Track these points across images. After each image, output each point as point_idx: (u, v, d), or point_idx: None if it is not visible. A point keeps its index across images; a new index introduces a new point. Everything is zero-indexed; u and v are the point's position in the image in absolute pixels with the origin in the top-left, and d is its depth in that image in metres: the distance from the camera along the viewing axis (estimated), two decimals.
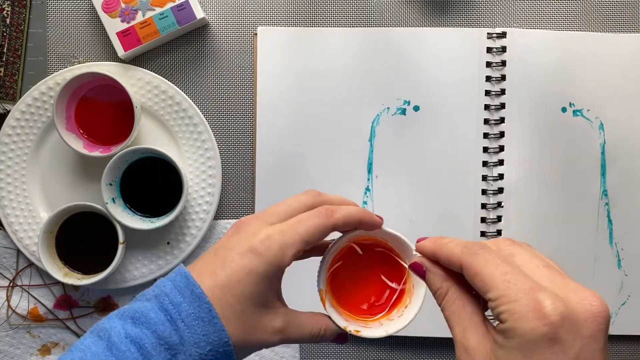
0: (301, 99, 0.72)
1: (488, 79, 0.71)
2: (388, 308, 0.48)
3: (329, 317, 0.45)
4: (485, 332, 0.37)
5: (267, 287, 0.42)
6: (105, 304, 0.73)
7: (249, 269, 0.41)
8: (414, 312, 0.45)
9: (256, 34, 0.72)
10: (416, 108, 0.71)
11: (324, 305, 0.46)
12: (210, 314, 0.41)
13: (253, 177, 0.72)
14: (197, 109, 0.71)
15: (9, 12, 0.72)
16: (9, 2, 0.71)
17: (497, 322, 0.36)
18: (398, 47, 0.71)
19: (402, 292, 0.48)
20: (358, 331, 0.46)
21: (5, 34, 0.72)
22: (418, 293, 0.46)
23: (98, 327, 0.42)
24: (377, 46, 0.71)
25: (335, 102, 0.72)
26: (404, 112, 0.71)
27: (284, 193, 0.71)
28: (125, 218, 0.67)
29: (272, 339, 0.43)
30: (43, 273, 0.72)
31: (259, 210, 0.68)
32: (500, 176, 0.71)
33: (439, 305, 0.41)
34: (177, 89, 0.70)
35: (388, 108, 0.72)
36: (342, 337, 0.46)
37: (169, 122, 0.71)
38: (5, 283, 0.72)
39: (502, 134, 0.71)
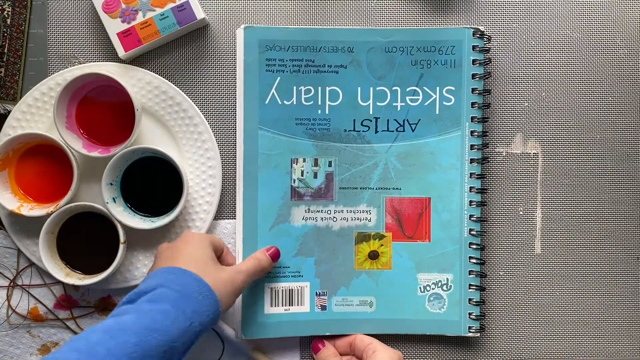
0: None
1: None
2: None
3: None
4: None
5: (210, 249, 0.64)
6: (105, 304, 0.73)
7: (195, 241, 0.63)
8: None
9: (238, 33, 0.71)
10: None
11: None
12: (208, 288, 0.58)
13: None
14: (197, 109, 0.71)
15: (9, 13, 0.72)
16: (9, 3, 0.72)
17: None
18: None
19: None
20: None
21: (6, 34, 0.72)
22: None
23: (114, 312, 0.56)
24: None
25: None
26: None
27: None
28: (126, 218, 0.68)
29: (237, 277, 0.63)
30: (43, 273, 0.72)
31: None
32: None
33: None
34: (178, 89, 0.71)
35: None
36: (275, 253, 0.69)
37: (169, 122, 0.71)
38: (6, 283, 0.72)
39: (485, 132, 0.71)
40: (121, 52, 0.70)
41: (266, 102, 0.70)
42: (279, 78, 0.70)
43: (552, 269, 0.73)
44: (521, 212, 0.73)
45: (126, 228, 0.68)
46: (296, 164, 0.71)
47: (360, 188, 0.71)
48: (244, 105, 0.70)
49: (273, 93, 0.70)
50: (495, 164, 0.73)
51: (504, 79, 0.73)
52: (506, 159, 0.73)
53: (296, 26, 0.72)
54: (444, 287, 0.71)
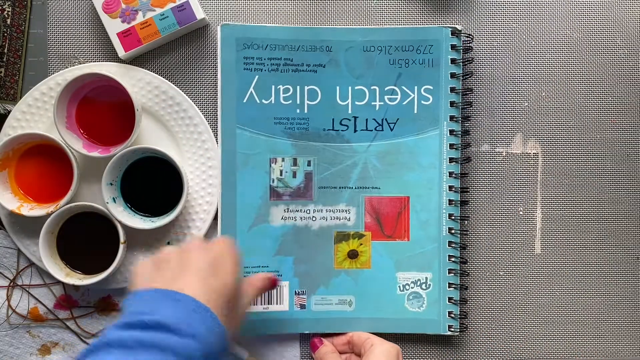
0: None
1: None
2: None
3: None
4: None
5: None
6: (105, 304, 0.73)
7: (232, 265, 0.58)
8: None
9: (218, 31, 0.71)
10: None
11: None
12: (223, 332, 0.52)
13: None
14: (197, 109, 0.71)
15: (9, 13, 0.72)
16: (9, 3, 0.72)
17: None
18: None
19: None
20: None
21: (6, 34, 0.72)
22: None
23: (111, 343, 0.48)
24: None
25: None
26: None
27: None
28: (126, 218, 0.68)
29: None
30: (43, 273, 0.72)
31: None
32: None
33: None
34: (178, 89, 0.71)
35: None
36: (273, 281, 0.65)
37: (169, 122, 0.71)
38: (6, 283, 0.72)
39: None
40: (121, 52, 0.70)
41: (244, 101, 0.70)
42: (257, 77, 0.70)
43: (552, 269, 0.73)
44: (521, 212, 0.73)
45: (126, 228, 0.68)
46: (275, 164, 0.71)
47: (340, 187, 0.71)
48: (221, 104, 0.70)
49: (251, 92, 0.70)
50: (495, 164, 0.73)
51: (503, 79, 0.73)
52: (506, 159, 0.73)
53: (275, 25, 0.72)
54: (423, 286, 0.71)
